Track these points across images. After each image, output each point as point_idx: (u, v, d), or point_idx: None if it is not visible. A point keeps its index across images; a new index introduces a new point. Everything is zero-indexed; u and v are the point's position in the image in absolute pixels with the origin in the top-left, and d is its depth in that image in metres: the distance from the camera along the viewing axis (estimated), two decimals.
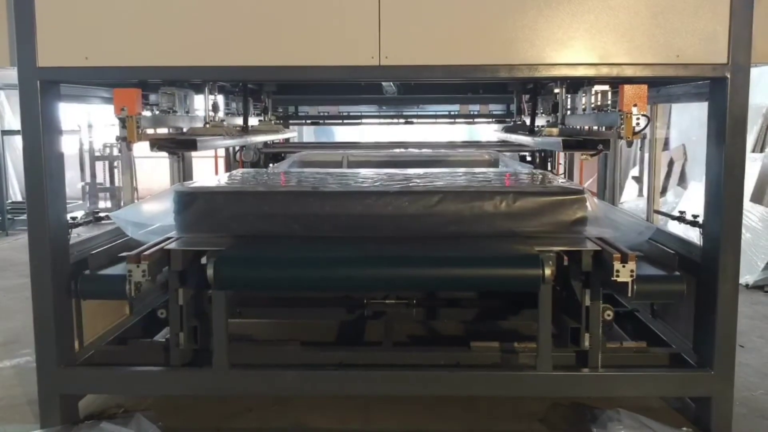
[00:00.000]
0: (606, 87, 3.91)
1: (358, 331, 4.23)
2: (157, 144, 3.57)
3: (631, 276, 3.22)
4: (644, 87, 3.27)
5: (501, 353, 3.68)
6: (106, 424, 3.45)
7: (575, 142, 3.72)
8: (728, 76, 3.24)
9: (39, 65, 3.30)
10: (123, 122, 3.28)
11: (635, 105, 3.19)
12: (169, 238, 3.69)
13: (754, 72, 3.28)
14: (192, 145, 3.62)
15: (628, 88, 3.23)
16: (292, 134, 6.59)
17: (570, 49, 3.26)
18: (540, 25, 3.25)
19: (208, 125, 4.36)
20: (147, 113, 3.98)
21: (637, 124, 3.19)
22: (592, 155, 3.57)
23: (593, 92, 3.97)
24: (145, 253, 3.37)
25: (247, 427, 3.63)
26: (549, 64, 3.28)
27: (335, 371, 3.57)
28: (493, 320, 4.37)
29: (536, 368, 3.46)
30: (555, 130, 4.15)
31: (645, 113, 3.22)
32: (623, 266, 3.21)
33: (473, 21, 3.27)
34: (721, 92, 3.29)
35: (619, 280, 3.22)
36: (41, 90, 3.32)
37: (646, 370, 3.61)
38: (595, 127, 3.93)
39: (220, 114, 5.17)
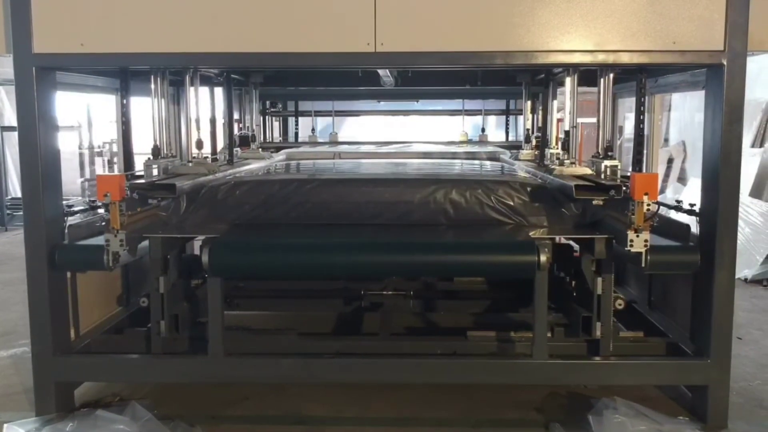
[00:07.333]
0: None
1: (355, 322, 4.22)
2: (135, 189, 3.57)
3: (645, 246, 3.17)
4: (655, 175, 3.27)
5: (498, 342, 3.68)
6: (101, 412, 3.44)
7: (587, 186, 3.63)
8: (725, 62, 3.24)
9: (35, 51, 3.30)
10: (106, 207, 3.27)
11: (646, 194, 3.11)
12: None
13: (754, 66, 3.27)
14: (171, 190, 3.62)
15: (639, 177, 3.15)
16: (280, 157, 6.34)
17: (566, 35, 3.26)
18: (537, 11, 3.25)
19: (190, 163, 4.26)
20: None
21: (648, 210, 3.13)
22: (603, 201, 3.56)
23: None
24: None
25: (244, 415, 3.63)
26: (545, 50, 3.28)
27: (332, 359, 3.57)
28: (490, 311, 4.36)
29: (532, 356, 3.46)
30: (567, 170, 4.08)
31: (656, 201, 3.17)
32: (637, 236, 3.15)
33: (470, 7, 3.26)
34: (718, 79, 3.29)
35: (633, 250, 3.16)
36: (37, 77, 3.32)
37: (643, 359, 3.61)
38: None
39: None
